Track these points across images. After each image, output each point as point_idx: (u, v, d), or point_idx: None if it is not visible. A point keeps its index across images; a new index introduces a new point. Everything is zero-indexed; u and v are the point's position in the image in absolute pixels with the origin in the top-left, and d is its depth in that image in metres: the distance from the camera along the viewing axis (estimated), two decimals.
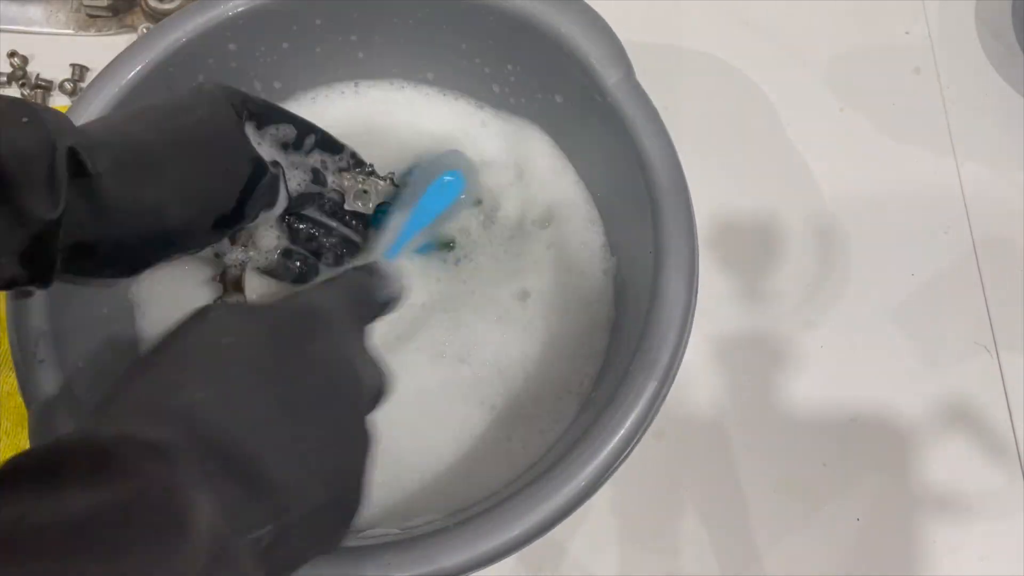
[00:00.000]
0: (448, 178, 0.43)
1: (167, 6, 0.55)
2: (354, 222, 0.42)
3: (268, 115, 0.37)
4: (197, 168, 0.32)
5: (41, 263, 0.27)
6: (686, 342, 0.35)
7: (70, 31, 0.57)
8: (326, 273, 0.42)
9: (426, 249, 0.44)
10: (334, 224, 0.41)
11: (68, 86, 0.55)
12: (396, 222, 0.42)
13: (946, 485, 0.46)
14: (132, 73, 0.39)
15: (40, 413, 0.34)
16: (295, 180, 0.39)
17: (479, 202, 0.46)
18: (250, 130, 0.36)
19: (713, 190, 0.52)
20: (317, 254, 0.41)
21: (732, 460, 0.46)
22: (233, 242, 0.40)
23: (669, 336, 0.34)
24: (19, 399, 0.37)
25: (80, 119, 0.37)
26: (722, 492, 0.45)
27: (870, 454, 0.46)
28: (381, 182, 0.43)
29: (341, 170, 0.42)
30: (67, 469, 0.18)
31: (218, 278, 0.42)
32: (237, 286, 0.41)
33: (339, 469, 0.25)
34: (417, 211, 0.42)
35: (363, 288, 0.32)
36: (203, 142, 0.33)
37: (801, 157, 0.54)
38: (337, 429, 0.25)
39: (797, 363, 0.48)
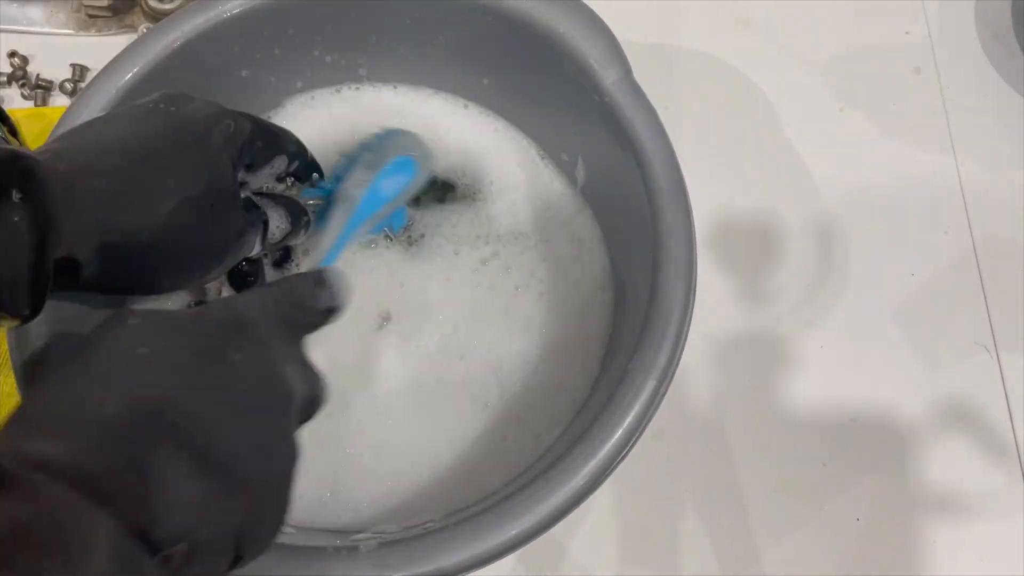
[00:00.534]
0: (398, 166, 0.40)
1: (167, 6, 0.55)
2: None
3: (263, 156, 0.36)
4: (186, 248, 0.32)
5: (18, 313, 0.26)
6: (684, 342, 0.35)
7: (70, 31, 0.58)
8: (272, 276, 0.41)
9: (380, 229, 0.42)
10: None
11: (68, 86, 0.55)
12: (337, 221, 0.38)
13: (946, 485, 0.46)
14: (130, 75, 0.39)
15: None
16: (275, 222, 0.37)
17: (475, 200, 0.46)
18: (241, 174, 0.35)
19: (713, 190, 0.52)
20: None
21: (732, 460, 0.46)
22: None
23: (667, 336, 0.34)
24: (19, 399, 0.37)
25: (78, 121, 0.37)
26: (722, 492, 0.45)
27: (870, 454, 0.46)
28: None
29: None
30: None
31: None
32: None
33: (259, 484, 0.24)
34: (360, 208, 0.38)
35: (298, 296, 0.30)
36: (198, 223, 0.32)
37: (801, 157, 0.54)
38: (258, 443, 0.24)
39: (797, 363, 0.48)
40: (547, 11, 0.40)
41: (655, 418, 0.34)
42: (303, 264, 0.42)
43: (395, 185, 0.40)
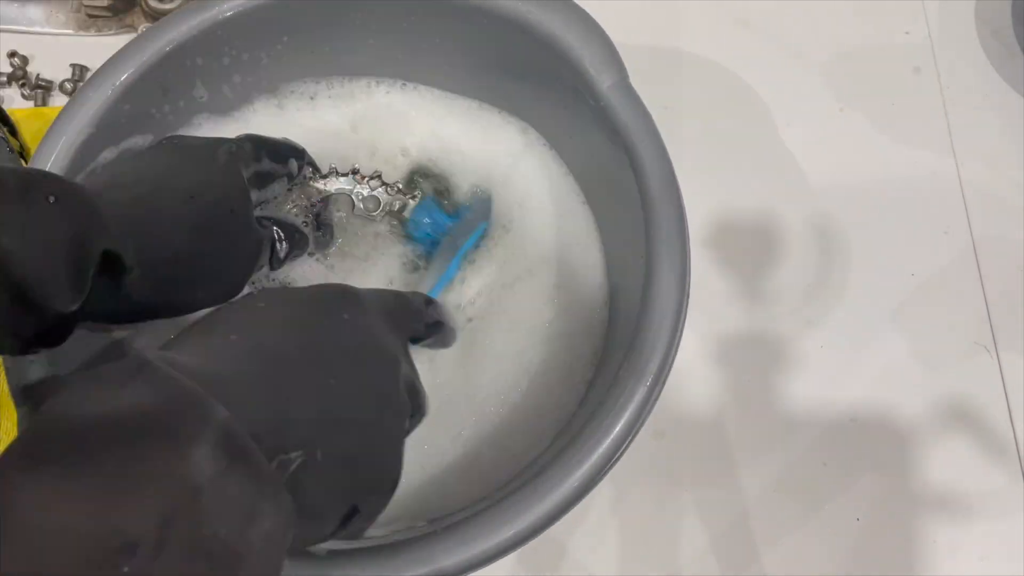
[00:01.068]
0: (481, 229, 0.45)
1: (167, 6, 0.55)
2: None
3: (270, 173, 0.38)
4: (213, 253, 0.33)
5: (54, 340, 0.27)
6: (677, 347, 0.34)
7: (70, 31, 0.58)
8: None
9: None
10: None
11: (68, 86, 0.55)
12: (442, 263, 0.43)
13: (946, 485, 0.46)
14: (125, 75, 0.39)
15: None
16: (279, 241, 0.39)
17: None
18: (254, 193, 0.37)
19: (713, 190, 0.52)
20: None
21: (732, 460, 0.46)
22: None
23: (660, 341, 0.34)
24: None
25: (74, 120, 0.38)
26: (722, 492, 0.45)
27: (870, 454, 0.46)
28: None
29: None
30: (96, 376, 0.20)
31: None
32: None
33: (371, 429, 0.25)
34: (458, 256, 0.43)
35: (409, 302, 0.32)
36: (219, 225, 0.33)
37: (801, 157, 0.54)
38: (369, 389, 0.26)
39: (797, 363, 0.48)
40: (543, 15, 0.40)
41: (655, 418, 0.34)
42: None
43: (472, 240, 0.45)
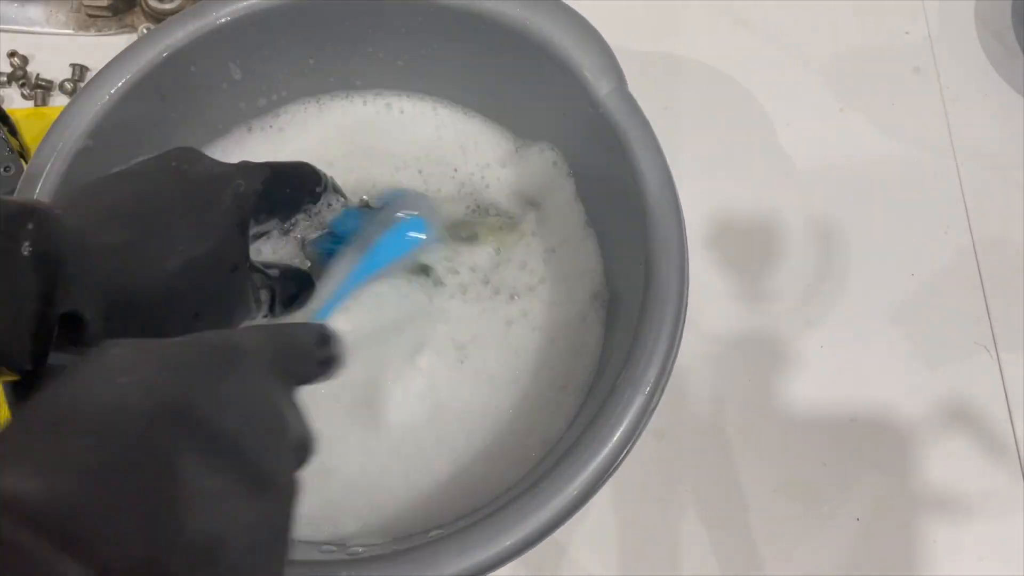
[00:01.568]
0: (406, 229, 0.39)
1: (167, 6, 0.55)
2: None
3: (283, 202, 0.36)
4: (196, 311, 0.31)
5: (20, 367, 0.26)
6: (675, 356, 0.34)
7: (70, 31, 0.57)
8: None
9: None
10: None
11: (68, 86, 0.55)
12: (335, 278, 0.38)
13: (946, 485, 0.46)
14: (122, 81, 0.39)
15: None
16: (281, 290, 0.37)
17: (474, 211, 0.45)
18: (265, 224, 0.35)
19: (713, 189, 0.52)
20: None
21: (732, 460, 0.46)
22: None
23: (658, 350, 0.34)
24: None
25: (71, 126, 0.37)
26: (722, 492, 0.45)
27: (870, 454, 0.46)
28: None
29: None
30: None
31: None
32: None
33: (260, 517, 0.21)
34: (363, 266, 0.38)
35: (299, 343, 0.28)
36: (209, 283, 0.32)
37: (801, 157, 0.54)
38: (251, 477, 0.22)
39: (797, 363, 0.48)
40: (541, 21, 0.40)
41: (655, 418, 0.34)
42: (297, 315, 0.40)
43: (400, 245, 0.39)
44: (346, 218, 0.40)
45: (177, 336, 0.26)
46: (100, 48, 0.57)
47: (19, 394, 0.28)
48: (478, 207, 0.46)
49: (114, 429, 0.20)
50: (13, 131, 0.52)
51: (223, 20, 0.41)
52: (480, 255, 0.44)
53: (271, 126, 0.47)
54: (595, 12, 0.41)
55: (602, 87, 0.39)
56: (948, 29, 0.59)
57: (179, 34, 0.40)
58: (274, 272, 0.36)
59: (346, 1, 0.42)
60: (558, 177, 0.47)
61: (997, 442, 0.47)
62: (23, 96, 0.56)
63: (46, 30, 0.57)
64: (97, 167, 0.38)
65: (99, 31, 0.57)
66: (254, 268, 0.35)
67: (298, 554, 0.34)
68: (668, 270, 0.35)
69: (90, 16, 0.57)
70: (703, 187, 0.52)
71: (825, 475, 0.46)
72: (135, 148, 0.39)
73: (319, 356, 0.28)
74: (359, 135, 0.47)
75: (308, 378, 0.28)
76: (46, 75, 0.56)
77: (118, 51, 0.40)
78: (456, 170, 0.47)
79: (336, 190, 0.40)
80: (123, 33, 0.57)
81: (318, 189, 0.39)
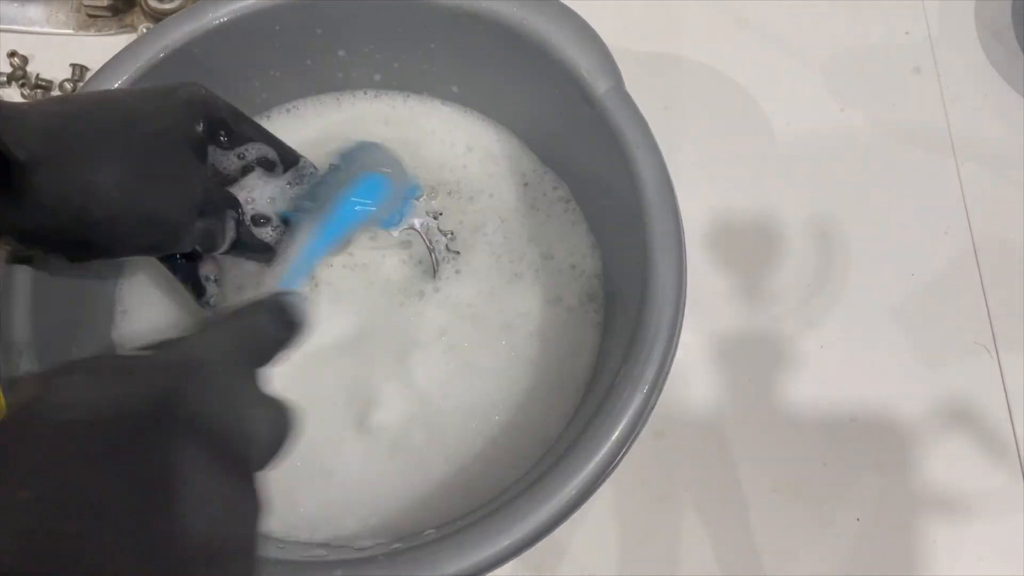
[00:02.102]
0: (369, 184, 0.38)
1: (167, 6, 0.55)
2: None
3: (242, 134, 0.37)
4: (136, 179, 0.31)
5: None
6: (673, 355, 0.34)
7: (70, 31, 0.58)
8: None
9: (389, 224, 0.40)
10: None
11: (68, 86, 0.55)
12: (299, 243, 0.37)
13: (946, 485, 0.46)
14: (120, 81, 0.39)
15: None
16: (253, 199, 0.38)
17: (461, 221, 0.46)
18: (217, 153, 0.36)
19: (713, 190, 0.52)
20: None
21: (732, 460, 0.46)
22: None
23: (656, 349, 0.34)
24: None
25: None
26: (722, 492, 0.45)
27: (870, 454, 0.46)
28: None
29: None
30: None
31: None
32: None
33: (220, 541, 0.22)
34: (326, 228, 0.37)
35: (257, 326, 0.28)
36: (157, 157, 0.32)
37: (801, 157, 0.54)
38: (205, 515, 0.22)
39: (797, 363, 0.48)
40: (539, 20, 0.40)
41: (655, 418, 0.34)
42: (266, 279, 0.39)
43: (365, 205, 0.38)
44: (317, 187, 0.39)
45: (127, 217, 0.29)
46: (100, 48, 0.57)
47: None
48: (471, 199, 0.46)
49: (45, 489, 0.20)
50: None
51: (220, 20, 0.41)
52: (471, 214, 0.44)
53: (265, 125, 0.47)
54: (595, 12, 0.41)
55: (599, 86, 0.39)
56: (948, 29, 0.58)
57: (177, 34, 0.40)
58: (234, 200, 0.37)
59: (342, 1, 0.42)
60: (556, 177, 0.47)
61: (997, 442, 0.47)
62: (23, 96, 0.56)
63: (46, 30, 0.58)
64: None
65: (99, 31, 0.57)
66: (218, 192, 0.36)
67: (297, 554, 0.34)
68: (666, 269, 0.35)
69: (90, 16, 0.57)
70: (703, 187, 0.52)
71: (825, 475, 0.46)
72: None
73: (282, 334, 0.28)
74: (355, 134, 0.47)
75: (273, 357, 0.28)
76: (46, 75, 0.56)
77: (118, 51, 0.40)
78: (453, 169, 0.47)
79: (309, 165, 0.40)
80: (123, 33, 0.57)
81: (268, 154, 0.39)
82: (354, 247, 0.44)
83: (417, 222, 0.42)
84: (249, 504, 0.24)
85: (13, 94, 0.56)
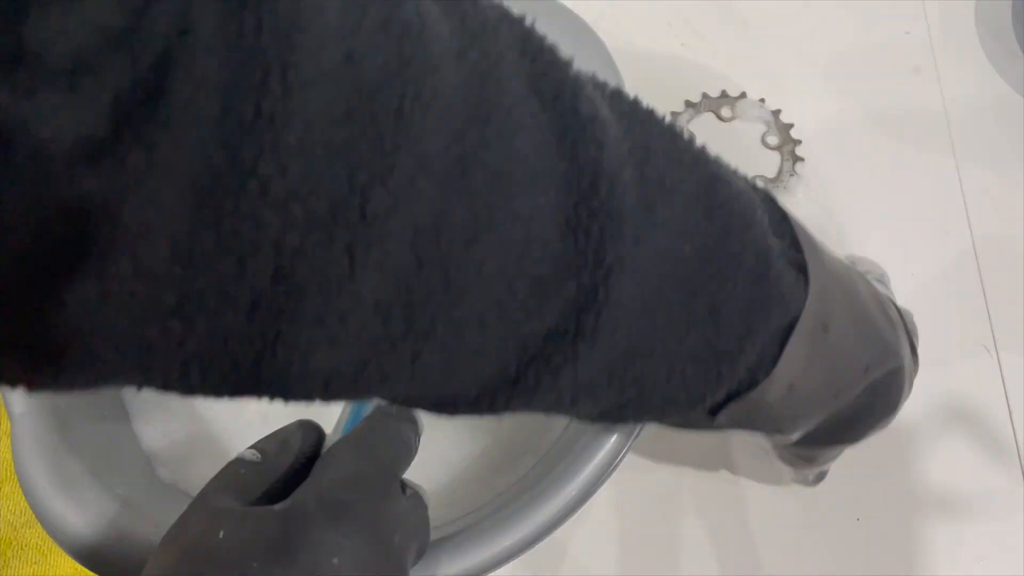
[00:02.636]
0: None
1: None
2: None
3: None
4: None
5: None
6: None
7: None
8: None
9: None
10: None
11: None
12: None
13: (946, 485, 0.46)
14: None
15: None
16: None
17: None
18: None
19: None
20: None
21: (732, 460, 0.46)
22: None
23: None
24: None
25: None
26: (722, 492, 0.45)
27: (870, 454, 0.46)
28: None
29: None
30: None
31: None
32: None
33: None
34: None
35: (397, 440, 0.29)
36: None
37: (801, 157, 0.54)
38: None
39: None
40: (538, 24, 0.39)
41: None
42: None
43: None
44: None
45: None
46: None
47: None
48: None
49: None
50: None
51: None
52: None
53: None
54: (595, 11, 0.41)
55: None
56: (948, 29, 0.58)
57: None
58: None
59: None
60: None
61: (997, 442, 0.47)
62: None
63: None
64: None
65: None
66: None
67: None
68: None
69: None
70: None
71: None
72: None
73: (416, 439, 0.30)
74: None
75: (411, 460, 0.30)
76: None
77: None
78: None
79: None
80: None
81: None
82: None
83: None
84: None
85: None
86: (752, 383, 0.24)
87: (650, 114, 0.22)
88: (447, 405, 0.21)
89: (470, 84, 0.17)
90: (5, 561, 0.47)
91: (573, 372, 0.20)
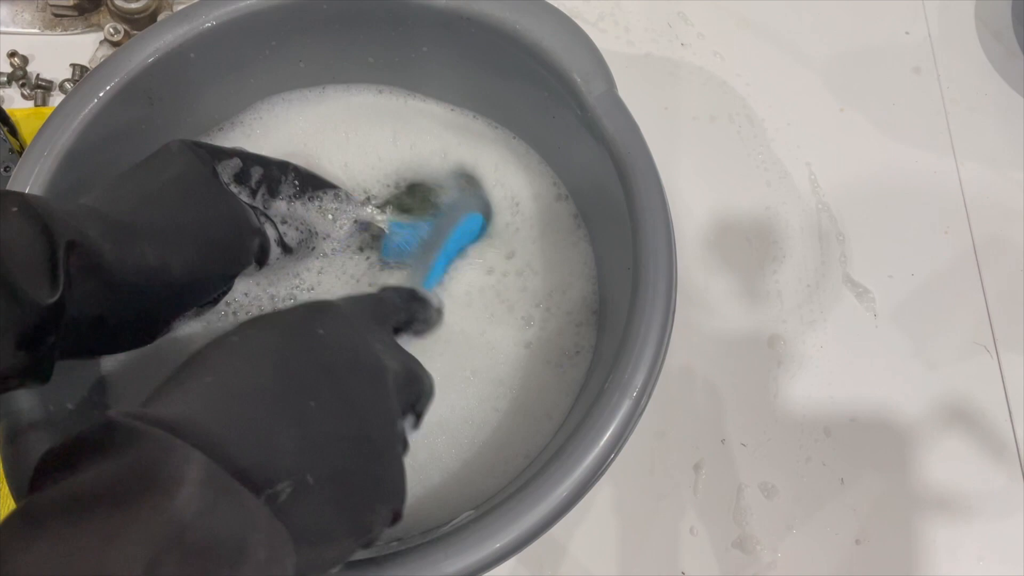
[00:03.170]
0: (471, 220, 0.45)
1: (133, 5, 0.54)
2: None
3: (240, 163, 0.38)
4: (185, 219, 0.33)
5: (39, 352, 0.27)
6: (663, 360, 0.34)
7: (35, 30, 0.56)
8: None
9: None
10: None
11: (68, 86, 0.55)
12: (430, 256, 0.43)
13: (946, 485, 0.46)
14: (111, 84, 0.39)
15: (10, 429, 0.34)
16: (289, 234, 0.39)
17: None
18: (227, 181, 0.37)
19: (713, 189, 0.52)
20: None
21: (732, 460, 0.46)
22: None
23: (645, 355, 0.33)
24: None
25: (60, 128, 0.38)
26: (722, 492, 0.45)
27: (870, 454, 0.46)
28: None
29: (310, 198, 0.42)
30: (81, 447, 0.20)
31: None
32: None
33: (361, 436, 0.26)
34: (446, 249, 0.44)
35: (386, 299, 0.34)
36: (183, 194, 0.34)
37: (801, 157, 0.54)
38: (354, 401, 0.26)
39: (797, 363, 0.48)
40: (531, 25, 0.39)
41: (656, 418, 0.34)
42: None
43: (467, 236, 0.45)
44: (394, 235, 0.45)
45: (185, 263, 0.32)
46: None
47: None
48: (461, 178, 0.46)
49: (234, 368, 0.25)
50: (13, 131, 0.52)
51: (211, 24, 0.41)
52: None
53: (258, 125, 0.47)
54: (595, 11, 0.41)
55: (592, 90, 0.38)
56: (948, 29, 0.59)
57: (168, 37, 0.40)
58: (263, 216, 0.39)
59: (334, 3, 0.42)
60: (548, 182, 0.47)
61: (997, 442, 0.47)
62: (23, 96, 0.56)
63: (11, 29, 0.56)
64: (85, 169, 0.38)
65: (65, 30, 0.57)
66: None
67: None
68: (656, 275, 0.35)
69: (56, 15, 0.56)
70: (703, 187, 0.52)
71: (825, 475, 0.46)
72: (123, 150, 0.39)
73: (409, 308, 0.35)
74: (346, 136, 0.47)
75: (401, 325, 0.34)
76: (46, 75, 0.56)
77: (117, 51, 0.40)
78: (444, 169, 0.47)
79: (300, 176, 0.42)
80: (89, 32, 0.56)
81: (284, 175, 0.40)
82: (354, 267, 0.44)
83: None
84: (385, 411, 0.28)
85: (14, 95, 0.56)
86: None
87: None
88: None
89: None
90: None
91: None
